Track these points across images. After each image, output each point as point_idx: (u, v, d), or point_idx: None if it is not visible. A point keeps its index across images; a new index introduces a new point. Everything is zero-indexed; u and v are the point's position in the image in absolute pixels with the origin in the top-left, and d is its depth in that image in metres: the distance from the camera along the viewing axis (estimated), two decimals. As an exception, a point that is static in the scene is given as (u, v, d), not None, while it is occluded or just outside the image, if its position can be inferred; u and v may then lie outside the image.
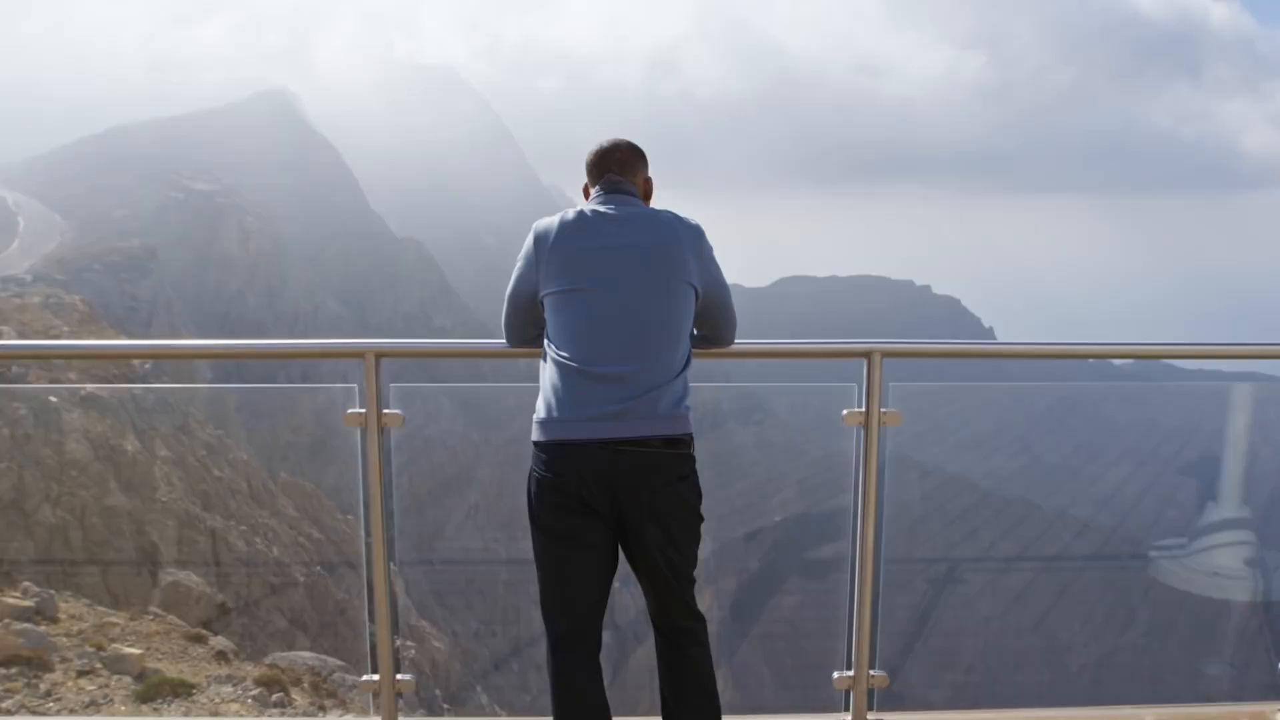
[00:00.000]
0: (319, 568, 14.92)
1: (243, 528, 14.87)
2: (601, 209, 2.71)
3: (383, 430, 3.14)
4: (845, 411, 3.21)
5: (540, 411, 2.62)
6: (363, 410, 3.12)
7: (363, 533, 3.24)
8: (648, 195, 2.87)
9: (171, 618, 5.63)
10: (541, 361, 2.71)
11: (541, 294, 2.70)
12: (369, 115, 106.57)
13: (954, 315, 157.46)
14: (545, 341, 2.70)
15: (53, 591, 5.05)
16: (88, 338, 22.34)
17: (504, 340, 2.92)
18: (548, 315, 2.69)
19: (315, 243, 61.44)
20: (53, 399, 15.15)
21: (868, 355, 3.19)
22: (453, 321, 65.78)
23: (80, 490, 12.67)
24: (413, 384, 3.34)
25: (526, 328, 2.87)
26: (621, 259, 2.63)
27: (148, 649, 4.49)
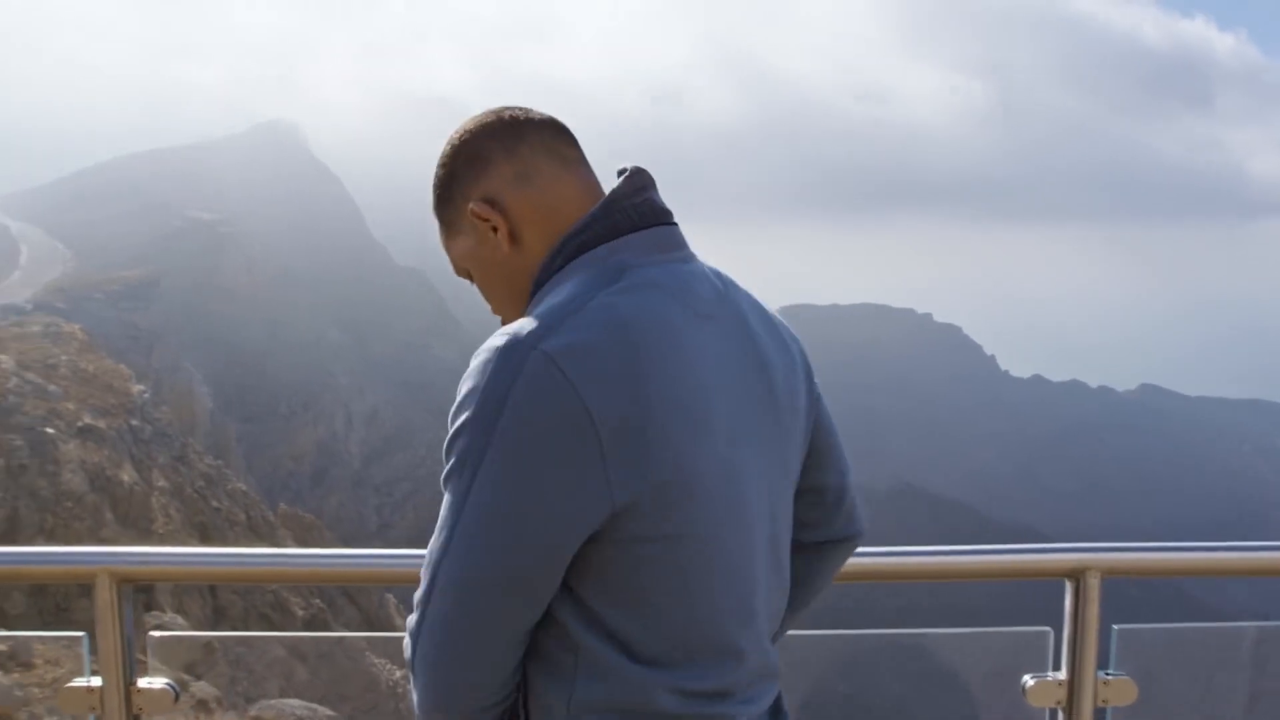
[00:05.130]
0: (317, 600, 14.65)
1: (240, 561, 14.73)
2: (681, 288, 1.16)
3: None
4: (1030, 681, 1.80)
5: None
6: (92, 684, 1.70)
7: None
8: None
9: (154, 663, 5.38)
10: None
11: (615, 536, 1.06)
12: (371, 146, 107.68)
13: (956, 344, 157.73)
14: (579, 630, 1.07)
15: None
16: (87, 366, 22.29)
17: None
18: (597, 579, 1.08)
19: (317, 272, 61.66)
20: (49, 429, 15.00)
21: (1077, 575, 1.76)
22: (454, 352, 65.80)
23: (75, 522, 12.47)
24: (190, 631, 1.90)
25: (508, 652, 1.08)
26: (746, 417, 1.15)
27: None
